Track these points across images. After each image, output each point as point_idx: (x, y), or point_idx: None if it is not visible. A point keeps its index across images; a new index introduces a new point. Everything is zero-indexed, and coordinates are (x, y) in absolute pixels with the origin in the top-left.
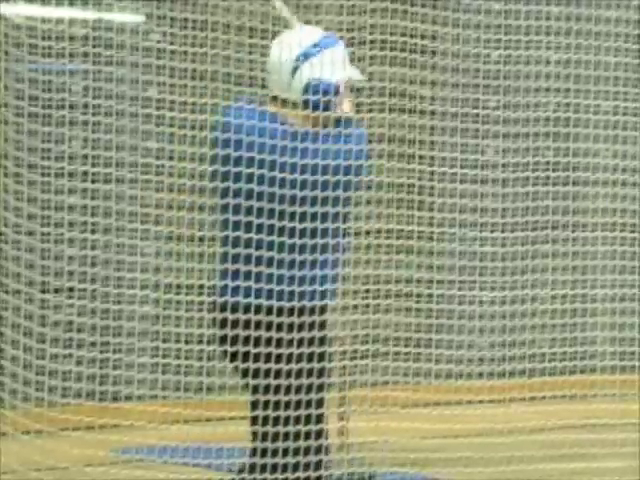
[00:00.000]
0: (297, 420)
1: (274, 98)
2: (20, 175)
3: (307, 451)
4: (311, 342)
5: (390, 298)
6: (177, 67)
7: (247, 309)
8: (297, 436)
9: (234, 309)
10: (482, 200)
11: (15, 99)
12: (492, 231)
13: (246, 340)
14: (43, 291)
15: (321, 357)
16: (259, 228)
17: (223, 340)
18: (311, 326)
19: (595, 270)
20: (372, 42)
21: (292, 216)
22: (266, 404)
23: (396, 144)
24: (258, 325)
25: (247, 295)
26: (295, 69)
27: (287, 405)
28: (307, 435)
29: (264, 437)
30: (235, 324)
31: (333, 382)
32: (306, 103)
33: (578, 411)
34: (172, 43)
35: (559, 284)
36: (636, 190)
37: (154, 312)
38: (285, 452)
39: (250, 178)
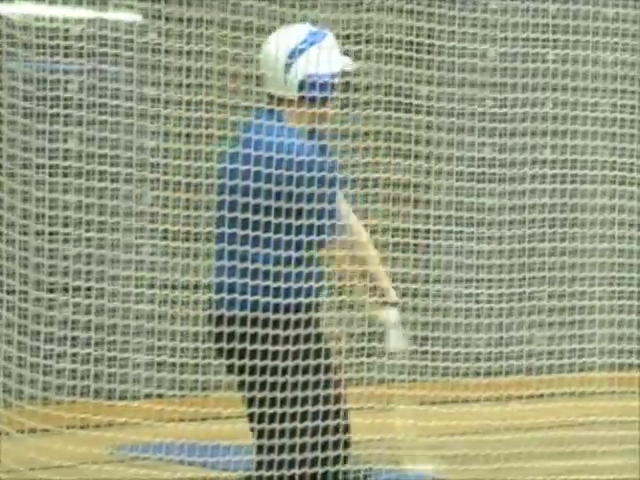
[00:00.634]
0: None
1: (270, 96)
2: (14, 174)
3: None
4: (307, 338)
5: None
6: (173, 65)
7: (243, 308)
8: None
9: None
10: (479, 197)
11: (10, 97)
12: (489, 228)
13: (241, 339)
14: (38, 289)
15: (317, 354)
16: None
17: (218, 339)
18: (303, 322)
19: (593, 267)
20: (368, 39)
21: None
22: (262, 402)
23: (392, 141)
24: (254, 324)
25: (243, 294)
26: (289, 65)
27: (285, 402)
28: (315, 430)
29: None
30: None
31: (341, 378)
32: (302, 99)
33: (575, 409)
34: (167, 41)
35: (556, 281)
36: (633, 187)
37: (149, 310)
38: (291, 449)
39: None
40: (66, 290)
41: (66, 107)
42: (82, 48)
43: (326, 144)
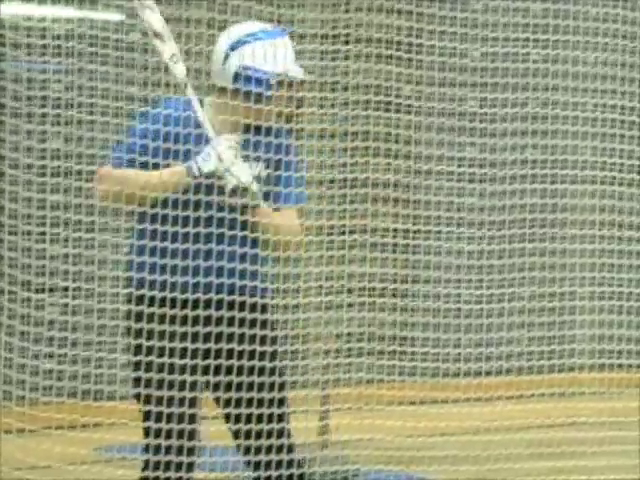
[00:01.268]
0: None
1: (214, 87)
2: (3, 173)
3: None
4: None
5: (374, 296)
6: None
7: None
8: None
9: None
10: (466, 198)
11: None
12: (476, 229)
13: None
14: (26, 290)
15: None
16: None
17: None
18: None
19: (578, 268)
20: (356, 40)
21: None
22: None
23: (380, 141)
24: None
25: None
26: (227, 55)
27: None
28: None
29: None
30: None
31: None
32: (236, 91)
33: (563, 409)
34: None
35: (543, 282)
36: (618, 187)
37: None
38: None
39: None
40: (52, 290)
41: (53, 107)
42: (68, 48)
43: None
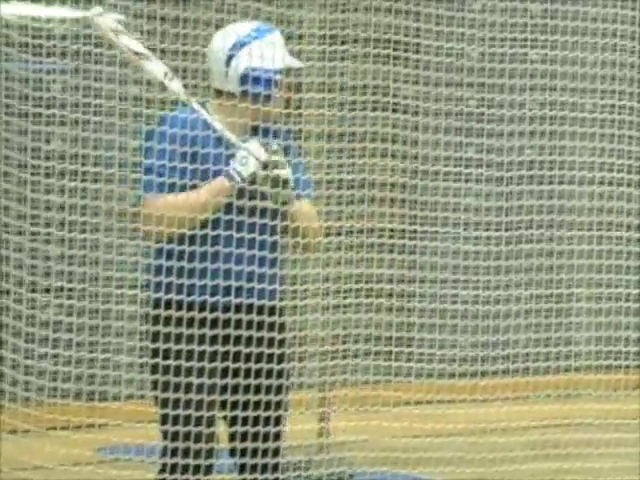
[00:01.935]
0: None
1: (216, 90)
2: (9, 174)
3: (265, 453)
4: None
5: (372, 297)
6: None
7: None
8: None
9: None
10: (464, 198)
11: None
12: (475, 230)
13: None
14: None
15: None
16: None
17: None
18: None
19: (578, 269)
20: (355, 40)
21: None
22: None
23: (378, 142)
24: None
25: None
26: (230, 58)
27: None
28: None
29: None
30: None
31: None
32: (244, 93)
33: (561, 411)
34: (149, 40)
35: (542, 283)
36: (618, 188)
37: (130, 310)
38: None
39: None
40: (48, 291)
41: (49, 107)
42: (65, 47)
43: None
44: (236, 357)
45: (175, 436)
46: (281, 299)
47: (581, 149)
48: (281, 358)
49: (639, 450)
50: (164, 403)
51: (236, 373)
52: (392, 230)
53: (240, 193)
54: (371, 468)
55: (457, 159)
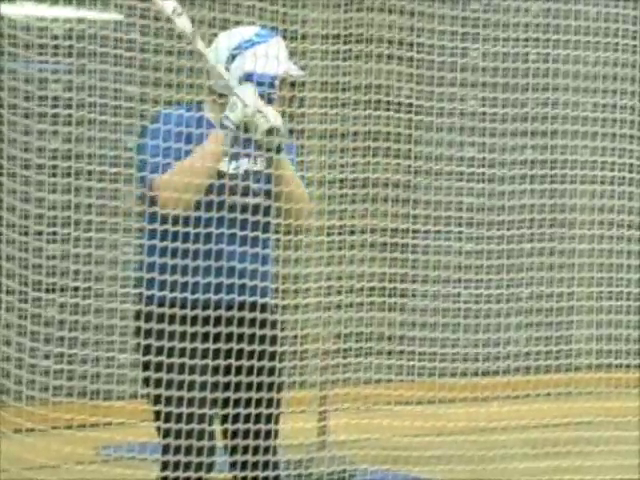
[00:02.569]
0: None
1: (211, 90)
2: (14, 174)
3: (256, 451)
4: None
5: (373, 296)
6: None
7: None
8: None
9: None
10: (465, 197)
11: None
12: (476, 229)
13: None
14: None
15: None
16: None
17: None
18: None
19: (578, 268)
20: (357, 40)
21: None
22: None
23: (380, 141)
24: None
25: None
26: (230, 62)
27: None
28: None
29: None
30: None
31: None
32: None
33: (561, 409)
34: (153, 39)
35: (542, 282)
36: (618, 187)
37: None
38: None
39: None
40: (52, 290)
41: (53, 106)
42: (68, 47)
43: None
44: (228, 355)
45: (172, 434)
46: (274, 297)
47: (581, 148)
48: (273, 356)
49: (639, 448)
50: (156, 400)
51: (228, 371)
52: (393, 229)
53: (231, 190)
54: (371, 467)
55: (458, 158)
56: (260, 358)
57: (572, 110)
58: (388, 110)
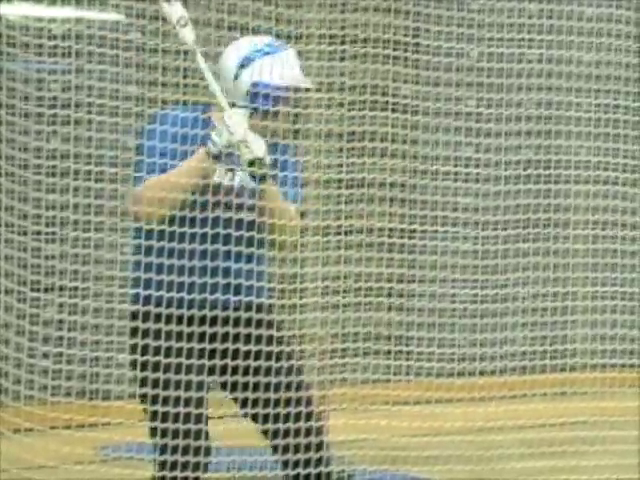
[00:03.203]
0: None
1: (230, 104)
2: (12, 174)
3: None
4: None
5: (371, 296)
6: (157, 64)
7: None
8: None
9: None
10: (462, 198)
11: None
12: (473, 229)
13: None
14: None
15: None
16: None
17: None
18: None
19: (575, 268)
20: (354, 40)
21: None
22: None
23: (377, 141)
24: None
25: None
26: (238, 72)
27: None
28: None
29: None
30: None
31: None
32: (254, 110)
33: (558, 409)
34: (152, 40)
35: (540, 282)
36: (615, 187)
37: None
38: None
39: None
40: (49, 290)
41: (51, 107)
42: (67, 47)
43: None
44: (223, 356)
45: (168, 434)
46: (270, 297)
47: (577, 148)
48: (269, 356)
49: (637, 447)
50: (154, 400)
51: (224, 372)
52: (391, 229)
53: (227, 204)
54: (369, 467)
55: (456, 158)
56: (257, 358)
57: (568, 110)
58: (385, 110)
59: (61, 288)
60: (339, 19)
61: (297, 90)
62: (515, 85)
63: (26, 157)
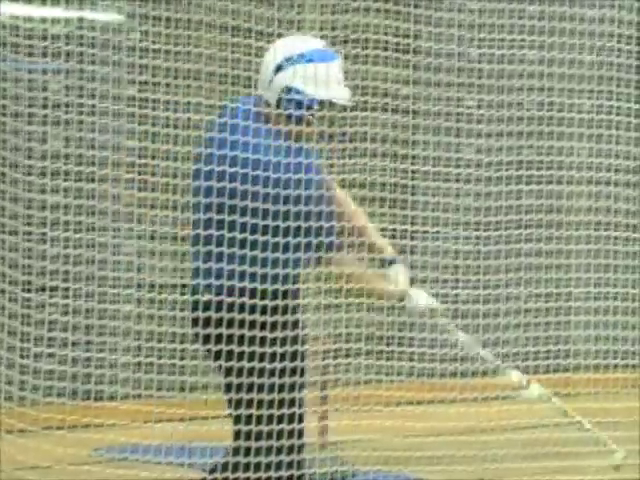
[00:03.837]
0: (271, 419)
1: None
2: (3, 174)
3: (280, 450)
4: (285, 339)
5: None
6: (159, 66)
7: (220, 304)
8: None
9: (207, 307)
10: (461, 198)
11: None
12: (473, 230)
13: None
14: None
15: (294, 355)
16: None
17: (206, 339)
18: (281, 310)
19: (574, 269)
20: (354, 41)
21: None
22: (245, 403)
23: (378, 143)
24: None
25: (218, 292)
26: (277, 70)
27: (260, 404)
28: (282, 434)
29: (246, 436)
30: (209, 321)
31: (308, 381)
32: (278, 106)
33: (556, 409)
34: (154, 42)
35: (538, 283)
36: (614, 188)
37: (126, 310)
38: (258, 451)
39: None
40: (43, 290)
41: (45, 107)
42: (67, 49)
43: (304, 147)
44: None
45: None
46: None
47: (577, 149)
48: (273, 356)
49: (637, 447)
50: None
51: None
52: (389, 230)
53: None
54: (364, 467)
55: (455, 160)
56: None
57: (568, 112)
58: (384, 111)
59: (52, 289)
60: (339, 20)
61: (332, 104)
62: (514, 86)
63: (18, 158)
